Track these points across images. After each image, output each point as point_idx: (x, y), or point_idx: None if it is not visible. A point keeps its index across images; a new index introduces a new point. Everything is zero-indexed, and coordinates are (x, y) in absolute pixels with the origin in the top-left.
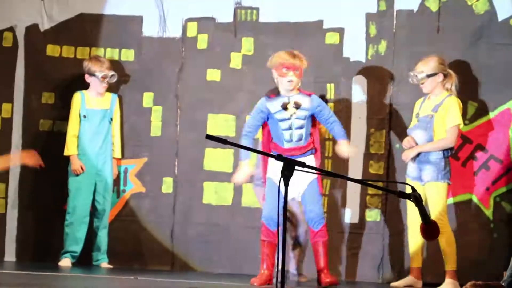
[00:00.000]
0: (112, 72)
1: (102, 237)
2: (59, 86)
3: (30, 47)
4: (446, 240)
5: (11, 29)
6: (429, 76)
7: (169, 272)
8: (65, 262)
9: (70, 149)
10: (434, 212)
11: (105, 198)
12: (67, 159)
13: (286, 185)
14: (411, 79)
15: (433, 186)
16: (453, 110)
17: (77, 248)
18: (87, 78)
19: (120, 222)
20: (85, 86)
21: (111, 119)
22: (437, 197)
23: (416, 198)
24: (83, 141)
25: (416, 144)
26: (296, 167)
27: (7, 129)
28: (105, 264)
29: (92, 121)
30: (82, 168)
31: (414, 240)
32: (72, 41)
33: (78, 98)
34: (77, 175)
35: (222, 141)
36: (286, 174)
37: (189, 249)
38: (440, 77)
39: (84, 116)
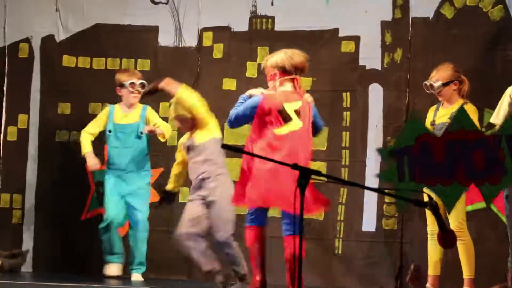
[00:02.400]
0: (141, 81)
1: (137, 248)
2: (75, 96)
3: (46, 58)
4: (465, 248)
5: (27, 40)
6: (445, 84)
7: (187, 281)
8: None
9: (85, 147)
10: (453, 220)
11: (137, 210)
12: (84, 169)
13: (302, 194)
14: (426, 88)
15: None
16: None
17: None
18: (118, 91)
19: None
20: (102, 97)
21: (141, 133)
22: (455, 205)
23: (432, 206)
24: (111, 155)
25: None
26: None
27: (24, 140)
28: (136, 275)
29: (119, 136)
30: (97, 167)
31: (432, 248)
32: (88, 51)
33: (106, 111)
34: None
35: (237, 150)
36: (303, 183)
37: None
38: (455, 84)
39: (109, 131)
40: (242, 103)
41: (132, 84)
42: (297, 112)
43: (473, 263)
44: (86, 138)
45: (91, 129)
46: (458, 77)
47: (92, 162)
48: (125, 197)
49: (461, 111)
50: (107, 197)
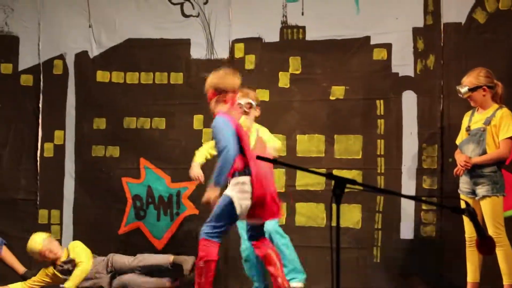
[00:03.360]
0: (248, 100)
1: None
2: (110, 111)
3: (80, 74)
4: (504, 254)
5: (61, 57)
6: (475, 89)
7: None
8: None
9: (196, 157)
10: (491, 226)
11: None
12: (121, 184)
13: (338, 203)
14: (459, 93)
15: (489, 200)
16: (505, 122)
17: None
18: None
19: (174, 245)
20: (136, 111)
21: None
22: (493, 211)
23: (470, 213)
24: None
25: (469, 158)
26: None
27: (60, 156)
28: (294, 283)
29: None
30: (198, 178)
31: (471, 255)
32: (121, 66)
33: None
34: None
35: (272, 161)
36: (338, 193)
37: (242, 270)
38: (484, 90)
39: None
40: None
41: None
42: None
43: None
44: (201, 149)
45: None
46: (489, 82)
47: (194, 172)
48: None
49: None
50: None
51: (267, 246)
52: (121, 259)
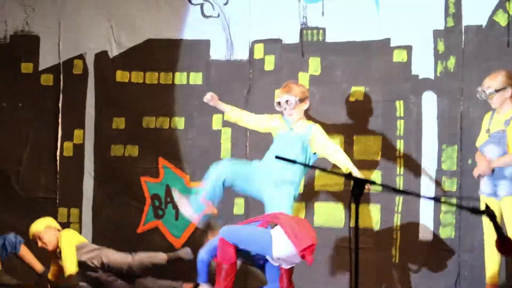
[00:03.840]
0: (287, 98)
1: None
2: (129, 111)
3: (100, 74)
4: None
5: (81, 57)
6: (497, 91)
7: None
8: None
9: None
10: (510, 227)
11: None
12: (139, 183)
13: (357, 204)
14: (479, 95)
15: (510, 200)
16: None
17: None
18: None
19: (193, 244)
20: (155, 111)
21: None
22: None
23: (489, 214)
24: None
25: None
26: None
27: (79, 155)
28: None
29: None
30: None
31: (490, 256)
32: (141, 66)
33: None
34: None
35: (291, 161)
36: (357, 193)
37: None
38: (508, 91)
39: None
40: None
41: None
42: None
43: None
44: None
45: None
46: (511, 84)
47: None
48: None
49: None
50: None
51: None
52: (115, 257)
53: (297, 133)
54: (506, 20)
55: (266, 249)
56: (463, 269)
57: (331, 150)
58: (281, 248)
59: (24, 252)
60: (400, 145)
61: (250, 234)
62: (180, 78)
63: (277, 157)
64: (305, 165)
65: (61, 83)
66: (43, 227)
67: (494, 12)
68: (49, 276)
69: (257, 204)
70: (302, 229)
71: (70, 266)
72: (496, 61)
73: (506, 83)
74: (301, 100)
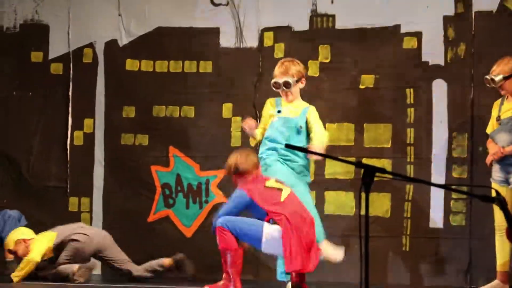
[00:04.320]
0: (286, 79)
1: None
2: (139, 99)
3: (110, 63)
4: None
5: (90, 45)
6: (506, 78)
7: (253, 281)
8: None
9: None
10: None
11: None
12: (150, 172)
13: (367, 192)
14: (488, 83)
15: None
16: None
17: None
18: None
19: (203, 233)
20: (165, 99)
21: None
22: None
23: (500, 201)
24: None
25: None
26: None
27: (90, 144)
28: None
29: None
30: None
31: (501, 243)
32: (151, 55)
33: None
34: None
35: (302, 149)
36: (367, 181)
37: (273, 258)
38: None
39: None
40: None
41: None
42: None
43: None
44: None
45: None
46: None
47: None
48: None
49: None
50: None
51: None
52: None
53: (290, 116)
54: None
55: (256, 242)
56: (474, 257)
57: (312, 134)
58: (270, 247)
59: None
60: (410, 132)
61: (244, 224)
62: (190, 66)
63: (287, 146)
64: (316, 154)
65: (71, 72)
66: (13, 244)
67: None
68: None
69: None
70: (300, 248)
71: (34, 254)
72: (506, 47)
73: None
74: (298, 80)
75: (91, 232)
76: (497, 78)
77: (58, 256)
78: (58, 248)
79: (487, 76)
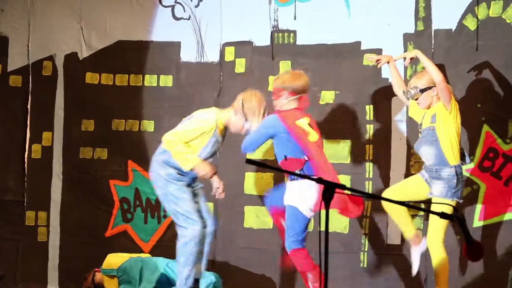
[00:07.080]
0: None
1: None
2: (98, 113)
3: (69, 76)
4: (439, 260)
5: (50, 58)
6: (422, 90)
7: None
8: None
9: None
10: (433, 229)
11: None
12: (108, 186)
13: (327, 208)
14: (406, 95)
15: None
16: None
17: None
18: None
19: (161, 248)
20: (125, 113)
21: None
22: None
23: (459, 218)
24: None
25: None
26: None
27: (48, 157)
28: None
29: None
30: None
31: (436, 258)
32: (111, 68)
33: None
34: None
35: (261, 165)
36: (327, 197)
37: (230, 273)
38: (434, 90)
39: None
40: None
41: None
42: (311, 126)
43: (446, 276)
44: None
45: None
46: (432, 83)
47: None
48: None
49: None
50: None
51: None
52: None
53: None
54: (475, 25)
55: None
56: (430, 273)
57: None
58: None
59: None
60: (369, 149)
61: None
62: (150, 80)
63: (247, 161)
64: (276, 169)
65: (30, 85)
66: None
67: (463, 16)
68: None
69: (226, 208)
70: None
71: None
72: (465, 64)
73: (432, 82)
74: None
75: None
76: (413, 92)
77: None
78: None
79: (404, 89)
